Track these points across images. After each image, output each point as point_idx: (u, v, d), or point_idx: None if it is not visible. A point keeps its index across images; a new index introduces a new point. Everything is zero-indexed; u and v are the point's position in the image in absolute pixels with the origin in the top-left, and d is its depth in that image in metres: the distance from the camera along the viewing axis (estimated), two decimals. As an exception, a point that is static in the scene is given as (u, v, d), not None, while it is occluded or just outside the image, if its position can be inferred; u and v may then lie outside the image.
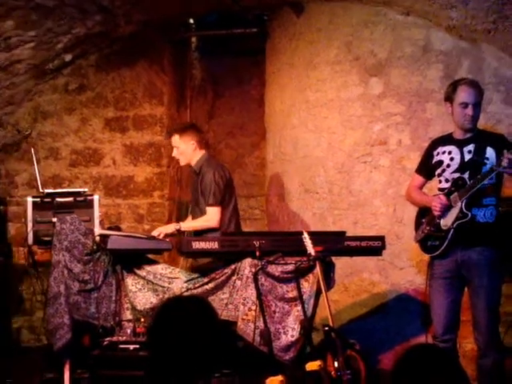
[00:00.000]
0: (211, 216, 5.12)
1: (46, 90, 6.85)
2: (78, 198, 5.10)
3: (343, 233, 4.85)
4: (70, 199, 5.10)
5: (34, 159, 5.24)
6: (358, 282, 5.54)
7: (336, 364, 3.87)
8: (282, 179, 6.22)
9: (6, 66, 5.89)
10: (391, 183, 5.49)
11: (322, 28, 5.81)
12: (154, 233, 5.19)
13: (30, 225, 5.04)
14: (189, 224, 5.31)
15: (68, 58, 6.57)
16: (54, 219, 4.92)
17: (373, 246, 4.70)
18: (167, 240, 5.16)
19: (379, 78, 5.51)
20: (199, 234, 5.17)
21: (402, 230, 5.36)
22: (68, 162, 6.91)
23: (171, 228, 5.27)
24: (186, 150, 5.27)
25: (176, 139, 5.28)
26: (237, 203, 5.39)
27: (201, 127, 7.07)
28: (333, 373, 3.96)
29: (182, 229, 5.22)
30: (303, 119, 5.96)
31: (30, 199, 5.08)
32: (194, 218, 5.34)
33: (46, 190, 5.18)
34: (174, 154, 5.36)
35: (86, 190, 5.28)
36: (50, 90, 6.87)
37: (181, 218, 6.62)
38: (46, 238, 4.97)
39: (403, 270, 5.42)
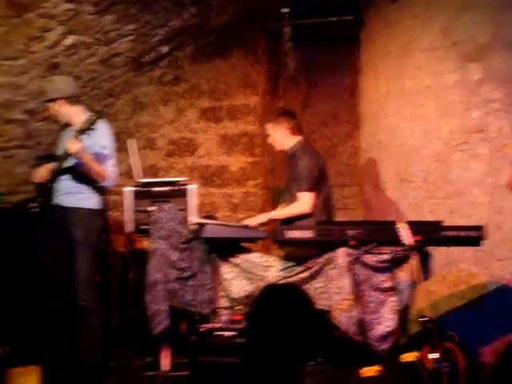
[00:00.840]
0: (304, 202, 5.11)
1: (143, 82, 7.02)
2: (174, 188, 5.19)
3: (440, 222, 4.75)
4: (167, 188, 5.20)
5: (133, 150, 5.36)
6: (456, 273, 5.42)
7: (433, 356, 3.81)
8: (376, 168, 6.14)
9: (106, 59, 6.07)
10: (490, 172, 5.33)
11: (419, 14, 5.69)
12: (246, 222, 5.24)
13: (128, 213, 5.17)
14: (281, 212, 5.32)
15: (164, 50, 6.71)
16: (151, 208, 5.04)
17: (471, 236, 4.57)
18: (261, 228, 5.20)
19: (478, 64, 5.34)
20: (291, 221, 5.18)
21: (502, 219, 5.21)
22: (164, 152, 7.06)
23: (263, 217, 5.31)
24: (277, 137, 5.31)
25: (269, 127, 5.35)
26: (330, 192, 5.36)
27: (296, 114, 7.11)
28: (430, 364, 3.90)
29: (275, 217, 5.25)
30: (398, 107, 5.87)
31: (128, 189, 5.21)
32: (286, 203, 5.36)
33: (144, 180, 5.31)
34: (269, 140, 5.44)
35: (182, 179, 5.37)
36: (146, 82, 7.03)
37: (275, 206, 6.66)
38: (144, 227, 5.09)
39: (503, 261, 5.26)
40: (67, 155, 4.66)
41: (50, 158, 5.08)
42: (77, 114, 4.80)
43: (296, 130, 5.35)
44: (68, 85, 4.95)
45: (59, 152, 4.86)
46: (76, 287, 4.76)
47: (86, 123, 4.62)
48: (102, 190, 4.89)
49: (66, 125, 4.91)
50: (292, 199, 5.24)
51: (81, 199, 4.81)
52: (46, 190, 4.86)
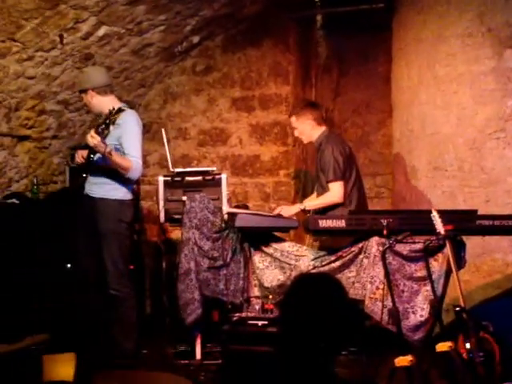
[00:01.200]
0: (335, 191, 5.10)
1: (175, 72, 7.04)
2: (207, 177, 5.21)
3: (475, 211, 4.70)
4: (199, 178, 5.22)
5: (165, 139, 5.38)
6: (491, 263, 5.35)
7: (468, 345, 3.77)
8: (409, 157, 6.09)
9: (138, 49, 6.09)
10: (526, 160, 5.25)
11: (452, 0, 5.61)
12: (277, 211, 5.23)
13: (161, 203, 5.20)
14: (313, 202, 5.32)
15: (195, 39, 6.71)
16: (184, 198, 5.06)
17: (507, 226, 4.53)
18: (293, 218, 5.20)
19: (514, 50, 5.26)
20: (324, 210, 5.17)
21: (538, 208, 5.13)
22: (196, 142, 7.07)
23: (295, 208, 5.31)
24: (304, 129, 5.31)
25: (294, 120, 5.36)
26: (360, 178, 5.34)
27: (326, 106, 7.08)
28: (464, 354, 3.86)
29: (307, 208, 5.24)
30: (432, 95, 5.79)
31: (161, 178, 5.25)
32: (317, 194, 5.35)
33: (176, 170, 5.32)
34: (296, 134, 5.44)
35: (214, 168, 5.39)
36: (178, 72, 7.05)
37: (306, 196, 6.64)
38: (177, 216, 5.12)
39: (539, 250, 5.19)
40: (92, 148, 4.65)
41: (83, 148, 5.12)
42: (109, 105, 4.79)
43: (320, 120, 5.35)
44: (100, 75, 4.97)
45: None
46: (106, 276, 4.81)
47: (111, 114, 4.64)
48: (131, 181, 4.90)
49: (100, 115, 4.95)
50: (322, 190, 5.24)
51: (109, 190, 4.82)
52: (80, 179, 4.91)
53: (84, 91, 4.89)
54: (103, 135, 4.57)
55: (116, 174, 4.76)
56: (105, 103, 4.84)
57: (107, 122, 4.62)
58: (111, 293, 4.81)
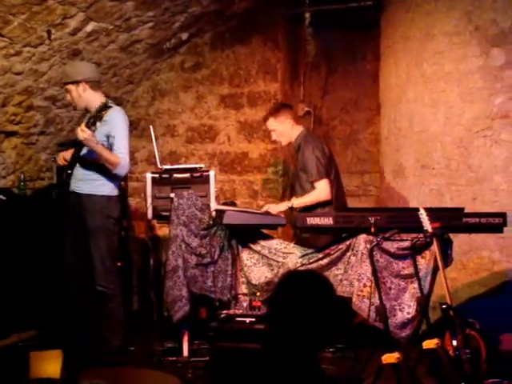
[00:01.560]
0: (321, 189, 5.13)
1: (163, 69, 7.02)
2: (195, 174, 5.21)
3: (461, 209, 4.73)
4: (187, 175, 5.22)
5: (153, 136, 5.37)
6: (477, 260, 5.38)
7: (455, 343, 3.80)
8: (396, 155, 6.11)
9: (127, 46, 6.07)
10: (513, 158, 5.28)
11: (440, -2, 5.63)
12: (265, 209, 5.24)
13: (149, 200, 5.19)
14: (301, 200, 5.33)
15: (184, 36, 6.70)
16: (172, 195, 5.05)
17: (493, 223, 4.55)
18: (281, 215, 5.21)
19: (501, 49, 5.26)
20: (310, 209, 5.19)
21: (524, 206, 5.16)
22: (184, 139, 7.06)
23: (283, 206, 5.31)
24: (285, 130, 5.32)
25: (272, 122, 5.35)
26: (340, 178, 5.37)
27: (314, 103, 7.09)
28: (451, 352, 3.88)
29: (295, 206, 5.25)
30: (419, 93, 5.81)
31: (149, 175, 5.24)
32: (293, 194, 5.38)
33: (164, 166, 5.32)
34: (274, 137, 5.43)
35: (202, 165, 5.38)
36: (166, 69, 7.03)
37: (293, 194, 6.65)
38: (164, 213, 5.12)
39: (526, 248, 5.21)
40: (81, 142, 4.68)
41: (70, 144, 5.12)
42: (97, 100, 4.81)
43: (297, 120, 5.37)
44: (92, 69, 4.99)
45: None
46: (93, 273, 4.80)
47: (99, 111, 4.66)
48: (118, 177, 4.91)
49: (86, 111, 4.93)
50: (302, 190, 5.25)
51: (96, 186, 4.82)
52: (64, 176, 4.89)
53: (76, 82, 4.84)
54: (91, 131, 4.58)
55: (103, 169, 4.76)
56: (94, 98, 4.85)
57: (94, 118, 4.63)
58: (98, 289, 4.81)
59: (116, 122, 4.81)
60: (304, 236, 5.23)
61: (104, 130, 4.74)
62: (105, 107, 4.72)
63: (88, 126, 4.56)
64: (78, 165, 4.83)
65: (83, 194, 4.82)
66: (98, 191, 4.82)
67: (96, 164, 4.76)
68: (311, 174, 5.13)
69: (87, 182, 4.82)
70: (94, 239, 4.79)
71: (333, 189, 5.22)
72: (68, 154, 4.87)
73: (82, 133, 4.51)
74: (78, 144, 4.75)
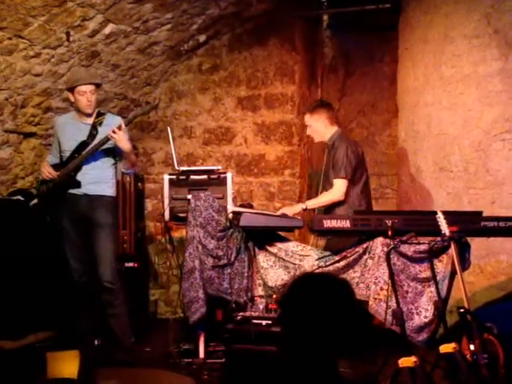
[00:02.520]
0: (337, 188, 5.12)
1: (181, 71, 7.04)
2: (212, 176, 5.22)
3: (480, 213, 4.69)
4: (204, 177, 5.23)
5: (171, 138, 5.39)
6: (495, 264, 5.34)
7: (472, 347, 3.77)
8: (414, 158, 6.08)
9: (145, 48, 6.10)
10: (532, 162, 5.24)
11: (459, 0, 5.59)
12: (280, 211, 5.23)
13: (166, 201, 5.21)
14: (314, 201, 5.34)
15: (202, 38, 6.71)
16: (189, 196, 5.07)
17: (512, 227, 4.52)
18: (298, 217, 5.20)
19: (521, 52, 5.25)
20: (329, 209, 5.18)
21: (543, 210, 5.12)
22: (201, 141, 7.07)
23: (298, 208, 5.30)
24: (318, 128, 5.32)
25: (307, 118, 5.37)
26: (368, 181, 5.35)
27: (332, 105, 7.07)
28: (468, 356, 3.86)
29: (309, 207, 5.25)
30: (437, 96, 5.79)
31: (166, 176, 5.26)
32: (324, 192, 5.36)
33: (182, 168, 5.33)
34: (308, 132, 5.45)
35: (219, 167, 5.39)
36: (184, 71, 7.05)
37: (311, 196, 6.64)
38: (181, 215, 5.13)
39: (544, 252, 5.18)
40: (102, 143, 4.84)
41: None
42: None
43: (333, 120, 5.36)
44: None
45: (70, 142, 4.95)
46: (100, 271, 4.85)
47: (97, 117, 4.96)
48: (115, 179, 5.15)
49: (87, 115, 4.98)
50: (330, 186, 5.25)
51: (106, 188, 4.99)
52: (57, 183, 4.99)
53: (99, 85, 5.04)
54: (93, 135, 4.90)
55: (110, 172, 5.02)
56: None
57: (94, 123, 4.93)
58: (106, 286, 4.88)
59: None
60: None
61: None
62: (100, 114, 5.01)
63: (95, 132, 4.90)
64: (87, 169, 4.94)
65: (95, 195, 4.95)
66: (108, 192, 5.00)
67: (105, 167, 4.98)
68: (337, 170, 5.12)
69: (98, 185, 4.96)
70: (104, 238, 4.90)
71: (363, 193, 5.20)
72: (51, 169, 5.01)
73: (116, 134, 4.74)
74: (81, 148, 4.91)
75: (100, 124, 4.94)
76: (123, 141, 4.80)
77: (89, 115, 4.96)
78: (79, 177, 4.93)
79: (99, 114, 5.01)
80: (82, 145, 4.92)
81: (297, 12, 6.79)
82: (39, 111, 5.65)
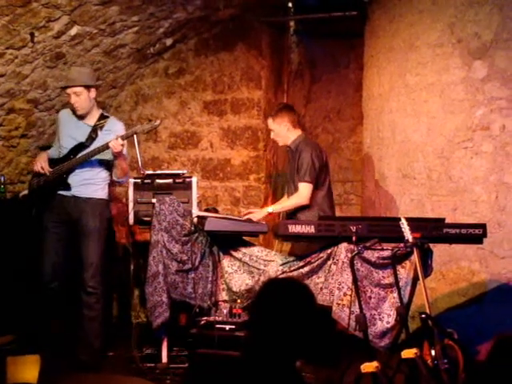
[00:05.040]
0: (302, 192, 5.13)
1: (147, 74, 7.01)
2: (177, 180, 5.21)
3: (442, 219, 4.75)
4: (169, 181, 5.22)
5: (136, 141, 5.35)
6: (457, 271, 5.42)
7: (433, 352, 3.81)
8: (378, 164, 6.14)
9: (111, 50, 6.05)
10: (494, 170, 5.32)
11: (424, 9, 5.67)
12: (245, 216, 5.23)
13: (131, 205, 5.19)
14: (279, 206, 5.37)
15: (168, 42, 6.69)
16: (154, 200, 5.04)
17: (473, 234, 4.58)
18: (263, 222, 5.21)
19: (483, 61, 5.32)
20: (295, 212, 5.19)
21: (504, 218, 5.22)
22: (167, 145, 7.04)
23: (263, 212, 5.30)
24: (280, 131, 5.32)
25: (270, 122, 5.37)
26: (331, 186, 5.38)
27: (298, 111, 7.09)
28: (429, 361, 3.90)
29: (274, 211, 5.26)
30: (402, 103, 5.85)
31: (131, 180, 5.23)
32: (289, 196, 5.37)
33: (147, 172, 5.31)
34: (272, 136, 5.45)
35: (184, 171, 5.38)
36: (150, 74, 7.01)
37: (276, 200, 6.65)
38: (146, 218, 5.11)
39: (505, 259, 5.25)
40: (100, 151, 4.82)
41: (49, 147, 5.14)
42: (96, 109, 5.05)
43: (296, 123, 5.38)
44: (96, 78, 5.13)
45: (69, 140, 4.92)
46: (84, 275, 4.83)
47: (99, 120, 4.95)
48: (109, 182, 5.09)
49: (81, 117, 4.95)
50: (295, 191, 5.26)
51: (96, 190, 4.98)
52: (46, 181, 4.92)
53: (88, 87, 4.96)
54: (92, 138, 4.88)
55: (101, 175, 5.00)
56: (95, 106, 5.05)
57: (95, 127, 4.91)
58: (89, 290, 4.88)
59: (120, 132, 4.94)
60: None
61: (109, 139, 4.83)
62: (103, 117, 4.97)
63: (94, 135, 4.89)
64: (77, 171, 4.93)
65: (83, 197, 4.95)
66: (98, 195, 4.99)
67: (96, 169, 4.97)
68: (302, 174, 5.13)
69: (88, 187, 4.96)
70: (91, 241, 4.91)
71: (325, 198, 5.22)
72: (45, 162, 4.95)
73: (118, 144, 4.71)
74: (77, 150, 4.90)
75: (101, 128, 4.92)
76: (121, 151, 4.80)
77: (85, 116, 4.96)
78: (70, 178, 4.92)
79: (102, 117, 4.98)
80: (80, 146, 4.90)
81: (264, 18, 6.81)
82: (2, 112, 5.58)
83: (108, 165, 5.02)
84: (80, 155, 4.89)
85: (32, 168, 5.15)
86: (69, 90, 4.90)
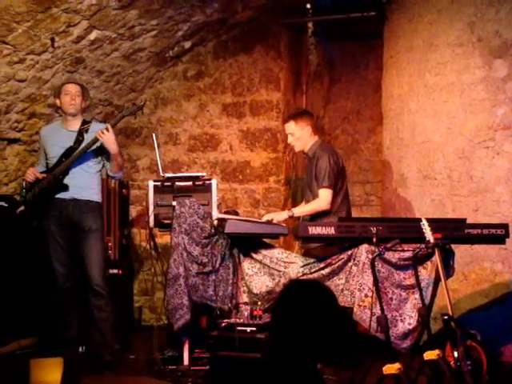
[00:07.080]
0: (323, 198, 5.09)
1: (166, 77, 7.03)
2: (197, 183, 5.21)
3: (464, 220, 4.72)
4: (189, 183, 5.21)
5: (156, 144, 5.38)
6: (479, 271, 5.37)
7: (456, 354, 3.78)
8: (398, 165, 6.11)
9: (130, 54, 6.09)
10: (515, 169, 5.28)
11: (443, 9, 5.63)
12: (265, 218, 5.20)
13: (151, 208, 5.20)
14: (301, 209, 5.31)
15: (187, 45, 6.71)
16: (174, 203, 5.05)
17: (495, 234, 4.55)
18: (283, 225, 5.19)
19: (504, 60, 5.28)
20: (314, 218, 5.17)
21: (526, 218, 5.16)
22: (186, 147, 7.06)
23: (283, 215, 5.27)
24: (303, 135, 5.26)
25: (291, 126, 5.28)
26: (348, 190, 5.35)
27: (317, 113, 7.09)
28: (452, 363, 3.87)
29: (295, 215, 5.22)
30: (422, 104, 5.82)
31: (151, 183, 5.24)
32: (307, 202, 5.35)
33: (167, 175, 5.32)
34: (290, 140, 5.36)
35: (204, 174, 5.38)
36: (169, 77, 7.04)
37: (296, 203, 6.65)
38: (166, 221, 5.12)
39: (527, 259, 5.21)
40: (90, 145, 4.89)
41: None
42: (79, 114, 5.15)
43: (315, 129, 5.35)
44: None
45: (57, 149, 4.97)
46: (89, 274, 4.89)
47: (83, 124, 5.04)
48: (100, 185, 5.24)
49: (72, 118, 5.06)
50: (313, 197, 5.23)
51: (93, 193, 5.07)
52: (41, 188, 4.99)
53: (84, 95, 5.12)
54: (80, 141, 4.96)
55: (97, 179, 5.11)
56: (80, 113, 5.15)
57: (80, 130, 5.00)
58: (96, 289, 4.94)
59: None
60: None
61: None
62: (86, 122, 5.08)
63: (81, 138, 4.97)
64: (74, 174, 4.98)
65: (83, 200, 5.01)
66: (96, 198, 5.08)
67: (92, 173, 5.05)
68: (321, 180, 5.10)
69: (86, 190, 5.02)
70: (93, 242, 4.97)
71: (343, 202, 5.19)
72: (35, 171, 5.05)
73: (104, 134, 4.81)
74: (68, 154, 4.95)
75: (86, 131, 5.00)
76: (111, 142, 4.87)
77: (74, 116, 5.01)
78: (66, 181, 4.97)
79: (85, 123, 5.08)
80: (69, 150, 4.96)
81: (282, 19, 6.80)
82: (23, 117, 5.63)
83: (100, 169, 5.13)
84: (73, 155, 4.95)
85: (23, 184, 5.18)
86: (70, 87, 4.96)
